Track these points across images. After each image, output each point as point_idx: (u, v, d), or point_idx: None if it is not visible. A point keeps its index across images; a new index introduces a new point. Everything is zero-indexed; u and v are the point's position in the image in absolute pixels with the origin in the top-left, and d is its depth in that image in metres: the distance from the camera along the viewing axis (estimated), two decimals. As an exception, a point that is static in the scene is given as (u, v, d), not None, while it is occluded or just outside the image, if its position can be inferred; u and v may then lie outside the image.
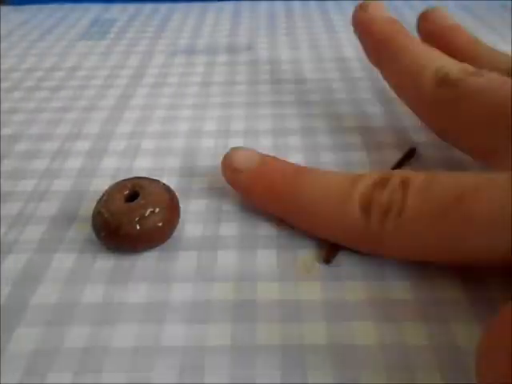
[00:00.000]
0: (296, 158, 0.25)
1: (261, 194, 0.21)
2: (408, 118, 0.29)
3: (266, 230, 0.21)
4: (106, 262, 0.20)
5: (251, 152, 0.22)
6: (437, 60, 0.23)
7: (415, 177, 0.18)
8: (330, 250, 0.19)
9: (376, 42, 0.26)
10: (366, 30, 0.27)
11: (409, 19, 0.44)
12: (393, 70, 0.25)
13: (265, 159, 0.21)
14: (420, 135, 0.27)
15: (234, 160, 0.21)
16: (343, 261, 0.19)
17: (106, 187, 0.24)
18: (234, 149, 0.22)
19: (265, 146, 0.27)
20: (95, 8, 0.50)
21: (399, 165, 0.24)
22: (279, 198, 0.20)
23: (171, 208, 0.20)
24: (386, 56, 0.25)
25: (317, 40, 0.41)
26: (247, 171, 0.21)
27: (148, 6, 0.50)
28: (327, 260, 0.19)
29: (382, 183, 0.18)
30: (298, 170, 0.20)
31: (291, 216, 0.20)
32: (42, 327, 0.17)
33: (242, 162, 0.21)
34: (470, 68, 0.22)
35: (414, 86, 0.23)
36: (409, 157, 0.24)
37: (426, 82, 0.22)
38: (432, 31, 0.28)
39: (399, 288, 0.18)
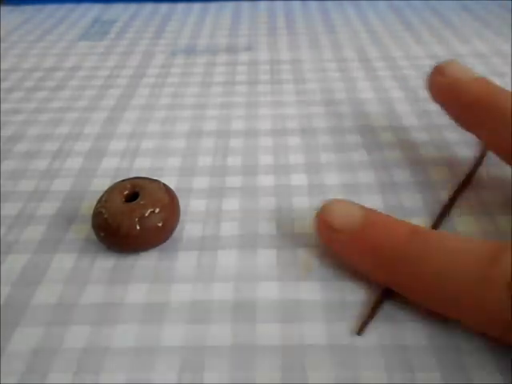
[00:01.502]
0: (296, 158, 0.25)
1: (364, 257, 0.18)
2: (408, 118, 0.29)
3: (266, 230, 0.21)
4: (106, 262, 0.20)
5: (351, 207, 0.18)
6: None
7: None
8: (364, 322, 0.17)
9: (466, 106, 0.22)
10: (450, 95, 0.23)
11: (409, 19, 0.44)
12: (493, 130, 0.21)
13: (369, 217, 0.18)
14: (421, 134, 0.27)
15: (332, 217, 0.18)
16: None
17: (105, 187, 0.24)
18: (330, 203, 0.19)
19: (265, 146, 0.27)
20: (95, 8, 0.50)
21: (473, 171, 0.24)
22: (389, 264, 0.17)
23: (171, 208, 0.20)
24: (481, 118, 0.21)
25: (317, 40, 0.41)
26: (348, 232, 0.18)
27: (148, 6, 0.50)
28: (360, 331, 0.17)
29: None
30: (413, 231, 0.17)
31: (404, 286, 0.17)
32: (42, 327, 0.17)
33: (342, 220, 0.18)
34: None
35: None
36: (481, 159, 0.24)
37: None
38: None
39: (399, 288, 0.18)
